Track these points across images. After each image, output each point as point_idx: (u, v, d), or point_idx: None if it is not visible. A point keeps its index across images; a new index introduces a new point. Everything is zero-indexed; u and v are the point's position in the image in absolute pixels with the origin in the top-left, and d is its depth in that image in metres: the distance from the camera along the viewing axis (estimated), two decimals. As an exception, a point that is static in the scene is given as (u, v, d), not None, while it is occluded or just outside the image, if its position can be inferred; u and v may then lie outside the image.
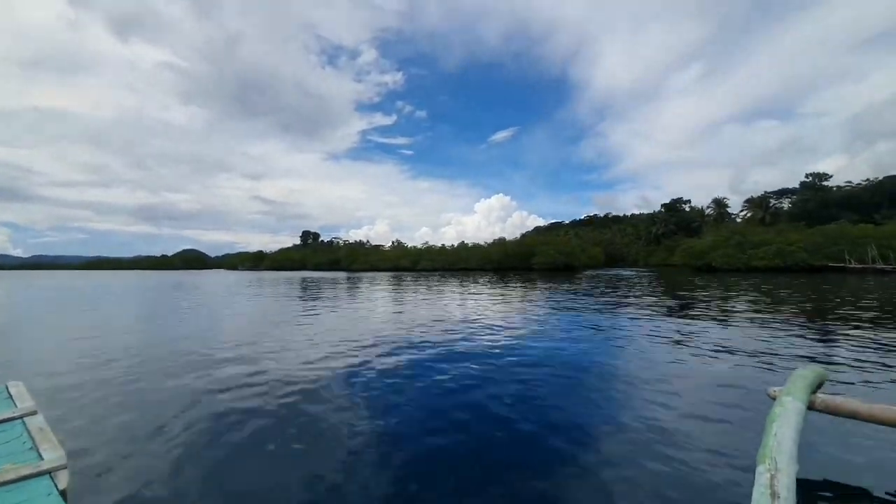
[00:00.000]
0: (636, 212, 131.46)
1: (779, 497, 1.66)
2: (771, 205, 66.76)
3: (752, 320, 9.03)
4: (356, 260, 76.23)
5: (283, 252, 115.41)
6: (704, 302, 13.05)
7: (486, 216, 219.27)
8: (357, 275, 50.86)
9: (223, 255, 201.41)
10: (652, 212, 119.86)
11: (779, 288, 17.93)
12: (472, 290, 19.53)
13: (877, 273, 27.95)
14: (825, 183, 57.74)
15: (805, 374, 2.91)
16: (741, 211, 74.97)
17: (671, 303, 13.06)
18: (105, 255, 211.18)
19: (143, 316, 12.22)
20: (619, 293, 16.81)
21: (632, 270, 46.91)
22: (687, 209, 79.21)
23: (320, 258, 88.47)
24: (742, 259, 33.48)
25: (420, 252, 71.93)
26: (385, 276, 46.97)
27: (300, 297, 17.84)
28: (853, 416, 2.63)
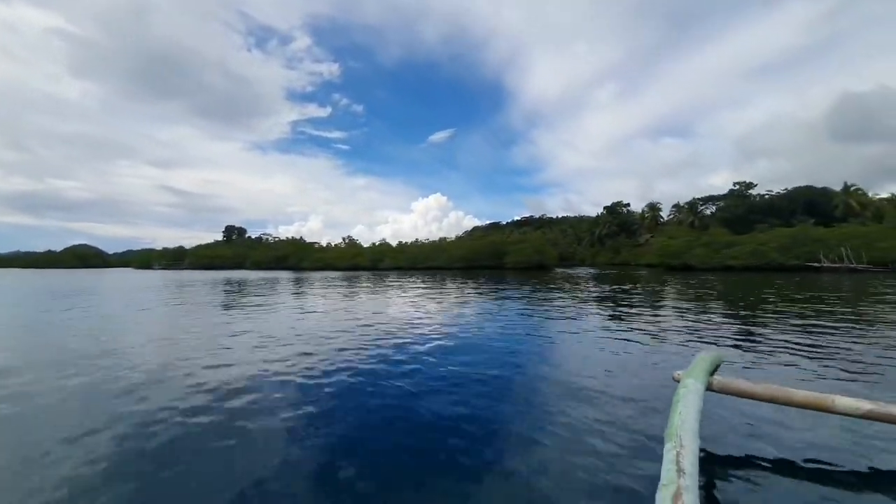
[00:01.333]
0: (562, 214, 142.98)
1: (683, 472, 1.77)
2: (699, 210, 74.45)
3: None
4: (307, 257, 69.22)
5: (210, 248, 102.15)
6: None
7: (423, 215, 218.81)
8: (307, 274, 46.35)
9: (124, 252, 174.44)
10: (578, 215, 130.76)
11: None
12: (474, 294, 17.40)
13: (850, 272, 31.15)
14: (750, 192, 65.54)
15: (705, 357, 3.24)
16: (669, 215, 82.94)
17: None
18: None
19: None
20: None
21: (593, 269, 48.58)
22: (625, 212, 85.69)
23: (261, 255, 79.29)
24: (717, 259, 36.11)
25: (381, 249, 67.35)
26: (345, 275, 43.04)
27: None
28: (743, 394, 2.97)
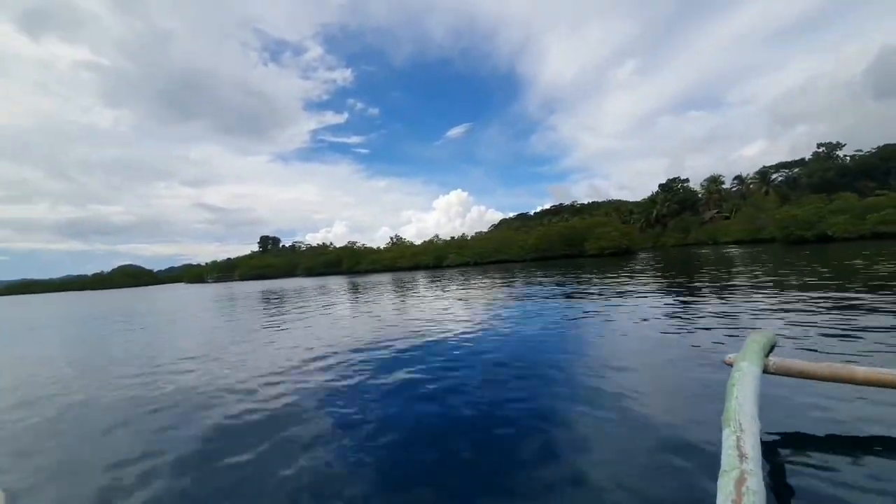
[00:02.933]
0: (589, 200, 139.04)
1: (745, 456, 1.74)
2: (772, 179, 69.17)
3: None
4: (363, 260, 68.12)
5: (257, 258, 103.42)
6: None
7: (445, 212, 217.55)
8: (370, 278, 44.71)
9: (167, 269, 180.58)
10: (607, 200, 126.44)
11: None
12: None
13: None
14: (837, 153, 60.05)
15: (757, 338, 3.16)
16: (732, 188, 77.61)
17: None
18: (31, 276, 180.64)
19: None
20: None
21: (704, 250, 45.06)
22: (682, 190, 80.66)
23: (312, 262, 79.11)
24: (861, 226, 32.13)
25: (446, 246, 65.04)
26: (411, 276, 41.11)
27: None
28: (802, 375, 2.92)
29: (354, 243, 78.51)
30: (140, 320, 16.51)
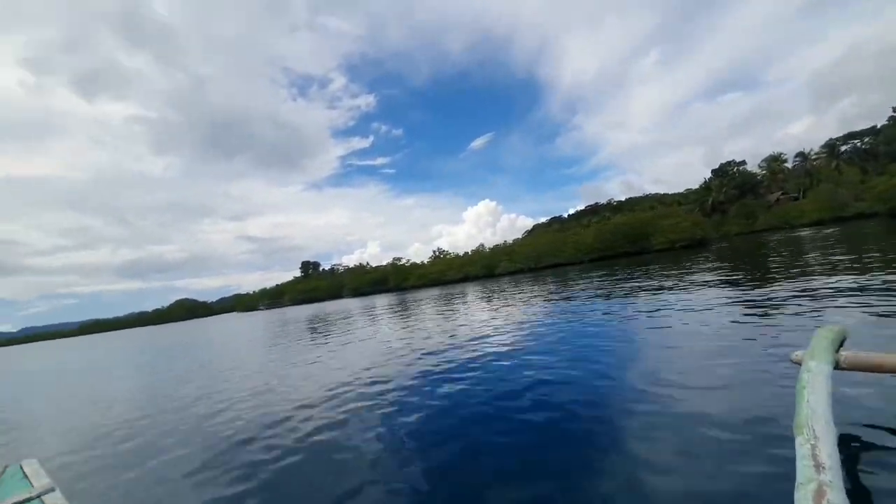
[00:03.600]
0: (625, 197, 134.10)
1: (823, 467, 1.59)
2: (842, 151, 63.10)
3: None
4: (408, 276, 67.85)
5: (303, 282, 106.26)
6: None
7: (475, 223, 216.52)
8: (418, 294, 43.81)
9: (219, 300, 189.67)
10: (644, 194, 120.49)
11: None
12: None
13: None
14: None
15: (826, 333, 2.88)
16: (794, 166, 71.46)
17: None
18: (97, 317, 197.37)
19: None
20: None
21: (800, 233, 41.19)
22: (738, 173, 75.05)
23: (357, 282, 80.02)
24: None
25: (493, 254, 62.81)
26: (461, 288, 39.58)
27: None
28: (879, 369, 2.56)
29: (399, 259, 78.60)
30: (224, 350, 17.05)
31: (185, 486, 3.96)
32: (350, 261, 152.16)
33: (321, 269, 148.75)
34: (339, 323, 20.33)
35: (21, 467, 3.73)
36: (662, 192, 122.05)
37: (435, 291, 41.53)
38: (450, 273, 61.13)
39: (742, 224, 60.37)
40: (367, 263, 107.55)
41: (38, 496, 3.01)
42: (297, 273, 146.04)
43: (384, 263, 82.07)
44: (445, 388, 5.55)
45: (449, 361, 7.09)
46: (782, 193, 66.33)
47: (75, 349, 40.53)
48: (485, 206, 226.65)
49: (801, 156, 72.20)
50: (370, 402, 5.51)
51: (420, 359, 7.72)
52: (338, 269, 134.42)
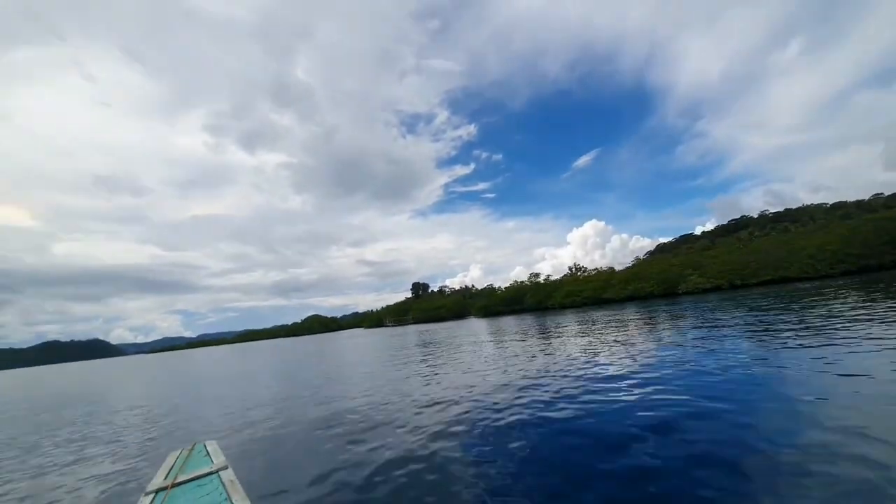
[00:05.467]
0: (772, 210, 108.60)
1: None
2: None
3: None
4: (552, 294, 59.73)
5: (427, 300, 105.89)
6: None
7: (581, 245, 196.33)
8: (567, 316, 35.88)
9: (341, 316, 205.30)
10: (809, 204, 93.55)
11: None
12: None
13: None
14: None
15: None
16: None
17: None
18: (251, 327, 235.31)
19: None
20: None
21: None
22: None
23: (486, 301, 74.79)
24: None
25: (670, 266, 50.00)
26: (654, 308, 29.83)
27: None
28: None
29: (537, 275, 70.97)
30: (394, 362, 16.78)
31: (326, 469, 4.86)
32: (454, 283, 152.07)
33: (430, 290, 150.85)
34: (461, 344, 20.08)
35: (205, 446, 4.68)
36: (833, 202, 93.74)
37: (599, 314, 32.64)
38: (609, 291, 50.93)
39: None
40: (473, 286, 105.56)
41: (217, 471, 3.88)
42: (408, 294, 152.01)
43: (522, 281, 74.95)
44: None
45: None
46: None
47: (238, 352, 48.80)
48: (592, 227, 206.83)
49: None
50: (484, 420, 6.06)
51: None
52: (444, 289, 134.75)
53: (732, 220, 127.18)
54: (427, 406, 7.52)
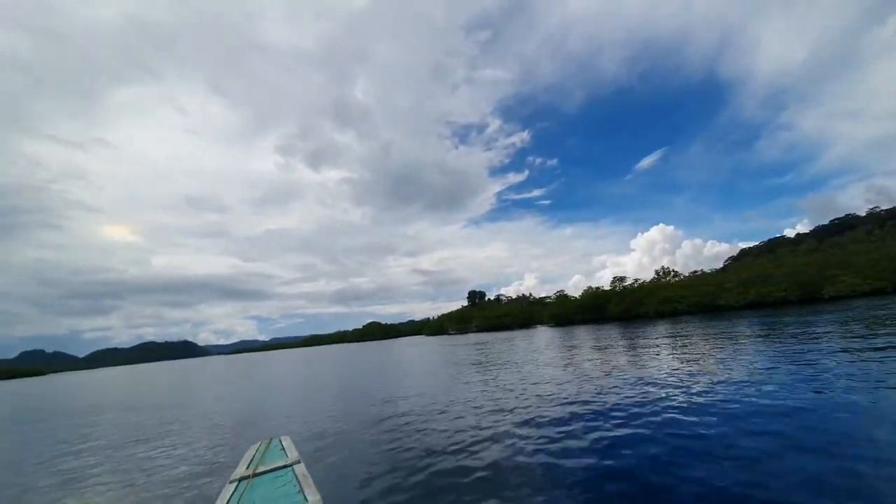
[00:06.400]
0: (879, 207, 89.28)
1: None
2: None
3: None
4: (644, 300, 53.27)
5: (490, 308, 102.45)
6: None
7: (646, 252, 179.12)
8: (658, 327, 31.15)
9: (398, 324, 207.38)
10: None
11: None
12: None
13: None
14: None
15: None
16: None
17: None
18: (316, 332, 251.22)
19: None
20: None
21: None
22: None
23: (557, 309, 69.58)
24: None
25: (808, 264, 41.65)
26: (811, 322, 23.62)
27: None
28: None
29: (622, 279, 64.31)
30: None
31: (390, 469, 5.06)
32: (508, 292, 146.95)
33: (486, 298, 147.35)
34: (536, 353, 19.40)
35: (280, 441, 5.10)
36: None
37: (710, 325, 27.10)
38: (723, 297, 43.40)
39: None
40: (531, 294, 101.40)
41: (290, 465, 4.20)
42: (464, 302, 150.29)
43: (595, 287, 68.78)
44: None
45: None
46: None
47: (310, 355, 54.09)
48: (659, 232, 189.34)
49: None
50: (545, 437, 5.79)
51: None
52: (501, 298, 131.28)
53: (835, 220, 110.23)
54: (499, 415, 7.48)
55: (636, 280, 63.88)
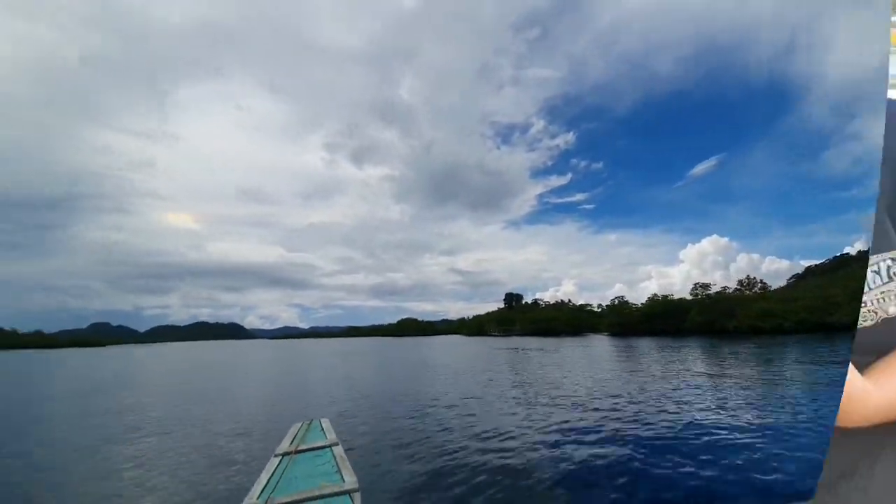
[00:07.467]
0: None
1: None
2: None
3: None
4: (737, 308, 44.98)
5: (536, 311, 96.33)
6: None
7: (697, 264, 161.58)
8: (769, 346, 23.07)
9: (433, 322, 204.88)
10: None
11: None
12: None
13: None
14: None
15: None
16: None
17: None
18: (353, 324, 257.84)
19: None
20: None
21: None
22: None
23: (615, 318, 62.43)
24: None
25: None
26: None
27: None
28: None
29: (706, 286, 56.02)
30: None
31: (424, 458, 5.32)
32: (544, 297, 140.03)
33: (523, 301, 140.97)
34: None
35: (320, 422, 5.19)
36: None
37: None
38: (836, 313, 35.58)
39: None
40: (570, 301, 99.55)
41: (329, 447, 4.29)
42: (500, 305, 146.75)
43: (663, 295, 60.79)
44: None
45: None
46: None
47: (349, 346, 51.44)
48: (711, 243, 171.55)
49: None
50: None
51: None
52: (538, 302, 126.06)
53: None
54: (563, 434, 6.94)
55: (725, 288, 55.44)
